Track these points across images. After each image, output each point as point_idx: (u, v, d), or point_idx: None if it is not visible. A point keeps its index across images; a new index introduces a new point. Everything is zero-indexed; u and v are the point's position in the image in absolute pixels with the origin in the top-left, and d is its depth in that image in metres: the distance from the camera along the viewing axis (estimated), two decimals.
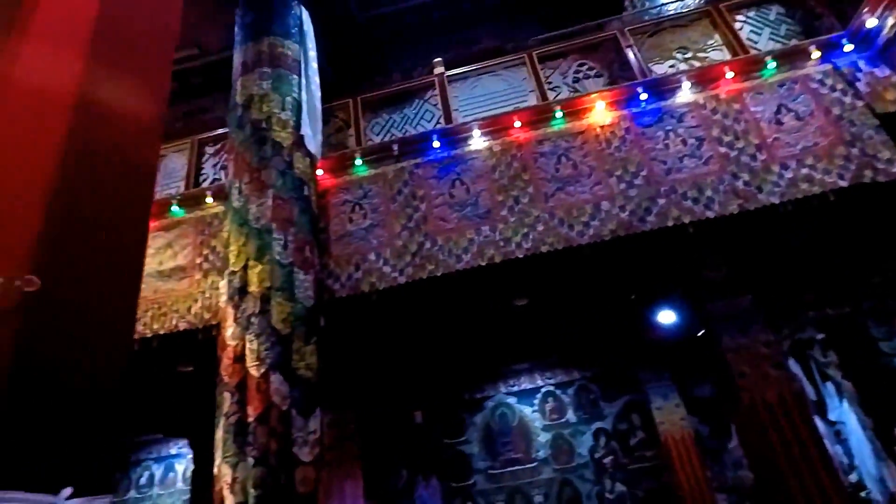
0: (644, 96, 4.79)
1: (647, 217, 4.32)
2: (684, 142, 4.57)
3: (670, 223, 4.27)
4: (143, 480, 9.34)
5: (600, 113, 4.81)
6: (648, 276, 5.34)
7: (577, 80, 5.31)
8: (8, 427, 1.75)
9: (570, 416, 8.07)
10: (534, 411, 8.18)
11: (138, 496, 9.21)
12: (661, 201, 4.35)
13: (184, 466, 9.11)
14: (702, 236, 4.45)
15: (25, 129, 2.25)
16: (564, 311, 5.97)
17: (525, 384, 8.36)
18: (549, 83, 5.25)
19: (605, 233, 4.31)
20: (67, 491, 1.78)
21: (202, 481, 7.03)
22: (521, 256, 4.31)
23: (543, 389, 8.29)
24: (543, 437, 8.00)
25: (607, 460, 7.69)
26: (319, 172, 4.85)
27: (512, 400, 8.28)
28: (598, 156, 4.63)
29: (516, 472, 7.88)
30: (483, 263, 4.32)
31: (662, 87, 4.82)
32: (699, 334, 5.63)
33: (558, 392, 8.24)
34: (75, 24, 2.42)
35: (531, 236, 4.36)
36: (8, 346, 1.81)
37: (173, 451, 9.33)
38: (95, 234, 2.24)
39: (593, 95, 4.87)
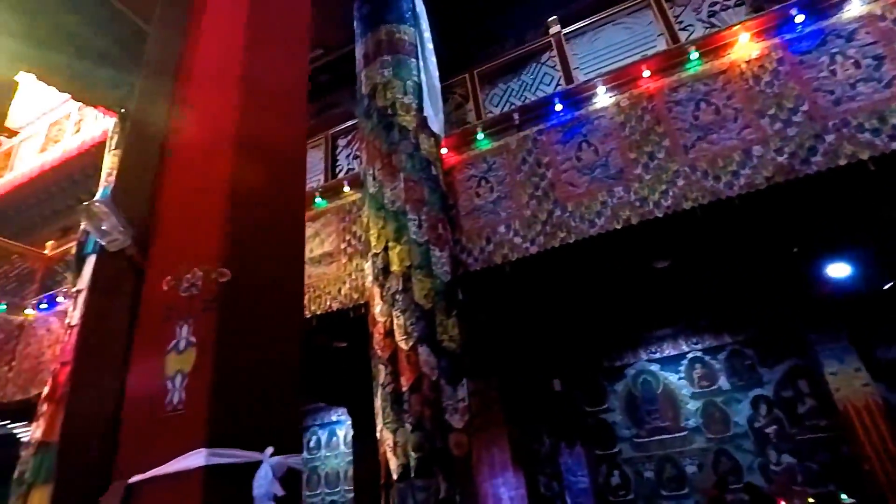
0: (800, 18, 4.12)
1: (811, 158, 3.76)
2: (857, 64, 3.86)
3: (843, 162, 3.67)
4: (311, 444, 10.61)
5: (744, 47, 4.25)
6: (816, 225, 4.67)
7: (712, 15, 4.74)
8: (223, 397, 2.07)
9: (723, 382, 7.48)
10: (680, 378, 7.72)
11: (309, 457, 10.48)
12: (830, 137, 3.75)
13: (344, 431, 10.15)
14: (887, 173, 3.76)
15: (205, 159, 2.61)
16: (712, 271, 5.48)
17: (668, 350, 7.91)
18: (680, 23, 4.75)
19: (758, 181, 3.84)
20: (270, 450, 2.07)
21: (362, 444, 7.80)
22: (660, 216, 4.03)
23: (690, 355, 7.77)
24: (693, 405, 7.53)
25: (770, 430, 7.03)
26: (444, 151, 4.96)
27: (655, 367, 7.89)
28: (744, 96, 4.11)
29: (665, 440, 7.55)
30: (618, 227, 4.11)
31: (824, 4, 4.10)
32: (886, 287, 4.83)
33: (707, 358, 7.67)
34: (227, 71, 2.76)
35: (671, 193, 4.04)
36: (213, 330, 2.14)
37: (334, 417, 10.43)
38: (266, 233, 2.55)
39: (735, 28, 4.30)
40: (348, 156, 5.85)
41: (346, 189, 5.38)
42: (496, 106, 5.43)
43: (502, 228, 4.54)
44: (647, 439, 7.66)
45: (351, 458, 8.83)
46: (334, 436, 10.47)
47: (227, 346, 2.10)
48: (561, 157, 4.58)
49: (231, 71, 2.69)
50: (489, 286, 4.71)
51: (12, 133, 7.93)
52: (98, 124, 7.94)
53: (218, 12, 3.06)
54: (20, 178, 8.17)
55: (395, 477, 3.56)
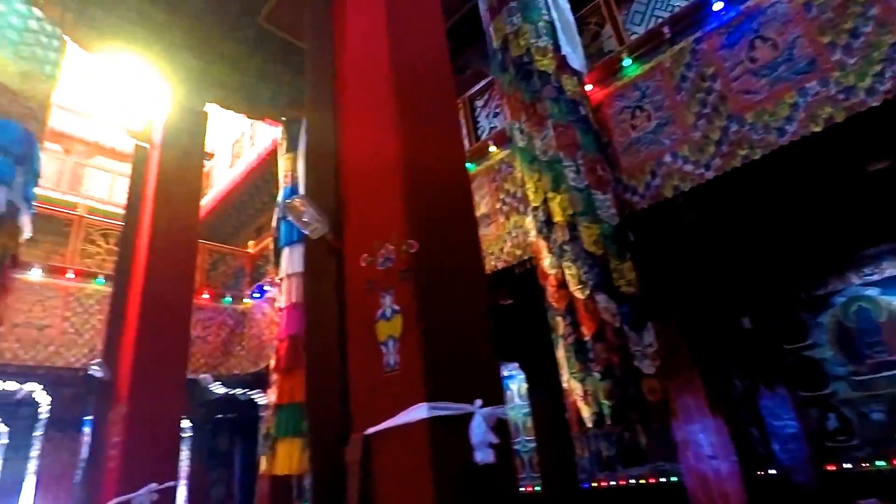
0: None
1: None
2: None
3: None
4: None
5: None
6: None
7: None
8: (432, 357, 2.23)
9: None
10: None
11: None
12: None
13: (517, 385, 10.48)
14: None
15: (376, 149, 2.79)
16: None
17: (890, 270, 6.58)
18: None
19: None
20: (479, 402, 2.18)
21: (537, 396, 7.98)
22: (875, 105, 3.29)
23: None
24: None
25: None
26: (589, 87, 4.64)
27: (873, 292, 6.65)
28: None
29: None
30: (818, 129, 3.46)
31: None
32: None
33: None
34: (378, 62, 2.89)
35: (888, 73, 3.26)
36: (413, 296, 2.30)
37: (506, 372, 10.79)
38: (440, 203, 2.66)
39: None
40: (487, 115, 5.82)
41: (492, 149, 5.37)
42: (639, 25, 4.89)
43: (668, 158, 4.13)
44: (870, 376, 6.56)
45: (527, 409, 9.11)
46: (508, 389, 10.85)
47: (427, 309, 2.25)
48: (729, 63, 3.97)
49: (381, 61, 2.82)
50: (661, 222, 4.36)
51: (210, 156, 9.42)
52: (268, 135, 9.03)
53: (360, 13, 3.21)
54: (219, 194, 9.71)
55: (588, 425, 3.56)
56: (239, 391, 8.23)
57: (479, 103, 5.92)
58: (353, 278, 2.57)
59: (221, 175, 9.83)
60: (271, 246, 7.43)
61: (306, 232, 2.69)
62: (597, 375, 3.51)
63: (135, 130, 6.16)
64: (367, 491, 2.18)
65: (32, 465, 7.09)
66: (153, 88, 5.91)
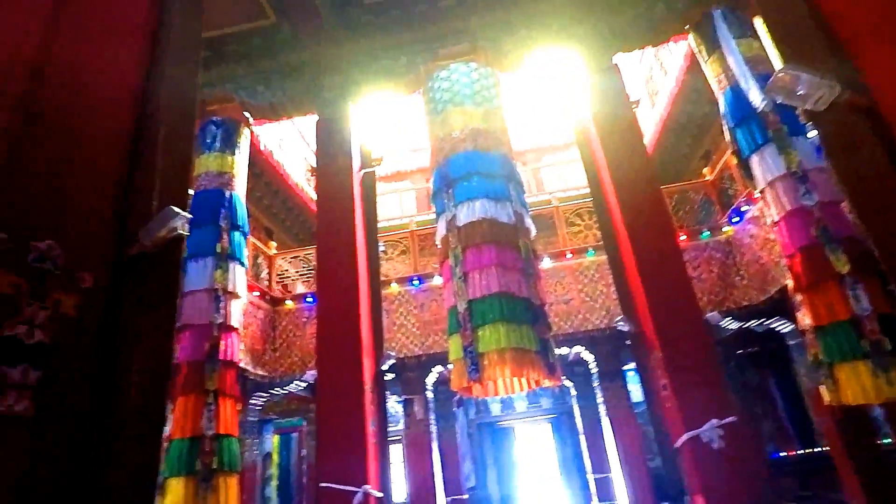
0: None
1: None
2: None
3: None
4: None
5: None
6: None
7: None
8: None
9: None
10: None
11: None
12: None
13: None
14: None
15: None
16: None
17: None
18: None
19: None
20: None
21: None
22: None
23: None
24: None
25: None
26: None
27: None
28: None
29: None
30: None
31: None
32: None
33: None
34: None
35: None
36: None
37: None
38: None
39: None
40: None
41: None
42: None
43: None
44: None
45: None
46: None
47: None
48: None
49: None
50: None
51: (635, 104, 9.48)
52: (676, 57, 8.33)
53: None
54: (653, 136, 9.57)
55: None
56: (753, 323, 7.62)
57: None
58: None
59: (647, 118, 9.66)
60: (733, 162, 6.64)
61: (808, 108, 2.11)
62: None
63: (576, 119, 6.84)
64: None
65: (602, 409, 8.69)
66: (571, 73, 6.40)
